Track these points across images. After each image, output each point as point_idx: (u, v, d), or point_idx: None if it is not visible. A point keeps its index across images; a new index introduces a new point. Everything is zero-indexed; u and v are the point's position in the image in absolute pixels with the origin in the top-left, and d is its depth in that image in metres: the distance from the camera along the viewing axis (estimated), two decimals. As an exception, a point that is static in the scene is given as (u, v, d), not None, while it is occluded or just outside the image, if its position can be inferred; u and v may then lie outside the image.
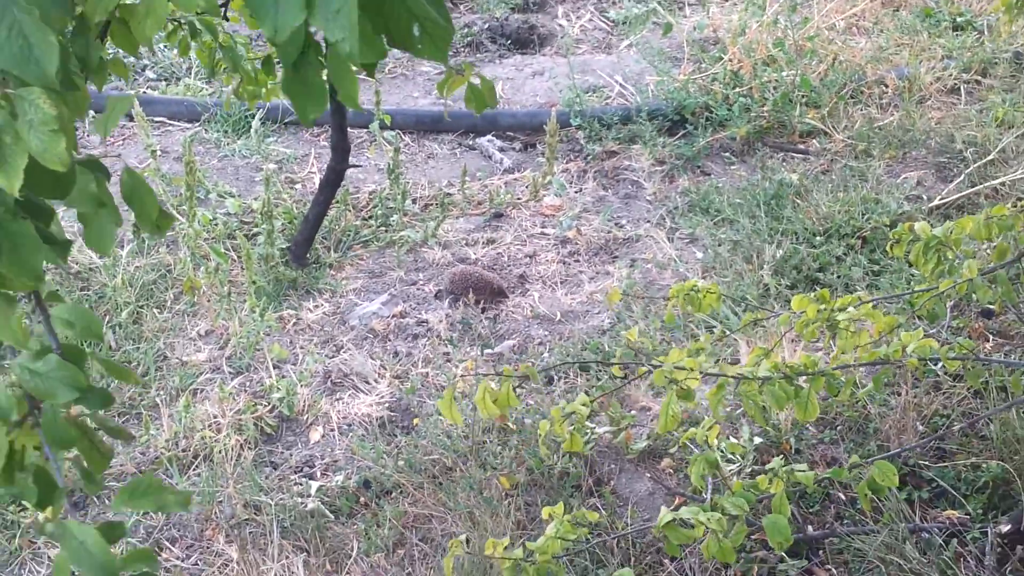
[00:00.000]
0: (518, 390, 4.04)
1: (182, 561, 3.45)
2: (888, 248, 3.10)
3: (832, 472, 2.76)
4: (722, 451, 3.57)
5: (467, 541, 3.31)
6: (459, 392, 4.03)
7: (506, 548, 2.56)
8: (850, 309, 2.70)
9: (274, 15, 1.31)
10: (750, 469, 3.52)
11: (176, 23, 3.45)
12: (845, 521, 3.37)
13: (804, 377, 2.58)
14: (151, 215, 1.64)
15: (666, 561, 3.26)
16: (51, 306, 1.67)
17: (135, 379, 1.85)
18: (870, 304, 2.79)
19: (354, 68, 1.50)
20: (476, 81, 2.30)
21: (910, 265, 4.42)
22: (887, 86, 6.25)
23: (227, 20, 3.40)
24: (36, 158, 1.34)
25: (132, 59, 6.93)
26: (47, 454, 1.60)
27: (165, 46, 7.20)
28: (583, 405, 2.62)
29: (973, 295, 2.82)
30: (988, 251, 4.15)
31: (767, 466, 2.64)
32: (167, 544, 3.52)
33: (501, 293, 4.75)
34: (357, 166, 5.30)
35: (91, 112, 5.06)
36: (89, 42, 1.74)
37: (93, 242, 1.62)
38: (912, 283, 4.31)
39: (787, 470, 2.55)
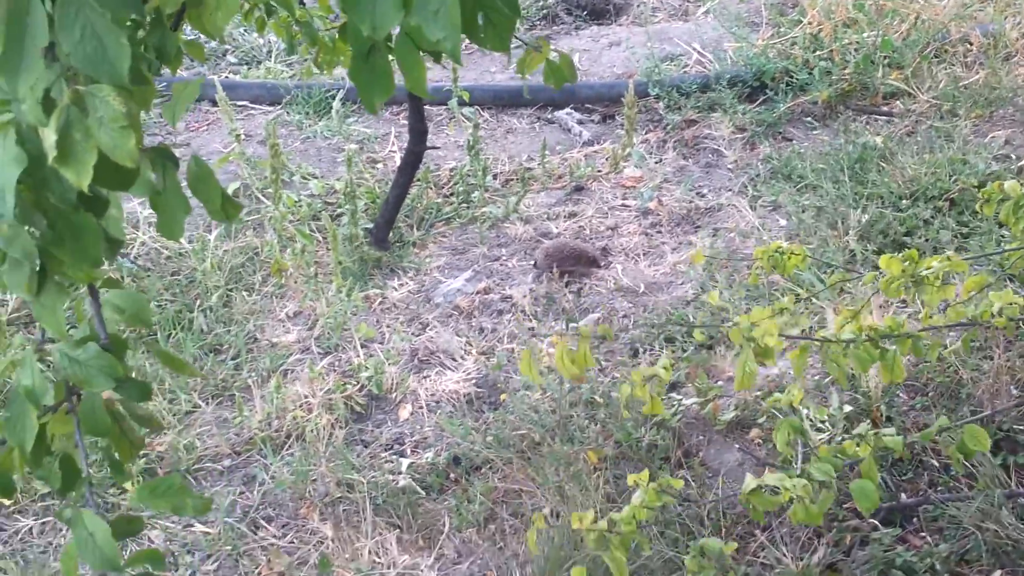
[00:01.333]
0: (604, 362, 4.06)
1: (278, 539, 3.52)
2: (978, 207, 3.04)
3: (921, 435, 2.73)
4: (811, 420, 3.54)
5: (556, 515, 3.33)
6: (545, 367, 4.05)
7: (593, 521, 2.57)
8: (935, 264, 2.65)
9: (372, 13, 1.32)
10: (840, 437, 3.49)
11: (252, 1, 3.48)
12: (939, 488, 3.33)
13: (889, 340, 2.55)
14: (216, 203, 1.66)
15: (757, 532, 3.25)
16: (105, 292, 1.71)
17: (190, 370, 1.88)
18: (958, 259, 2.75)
19: (423, 54, 1.52)
20: (554, 57, 2.29)
21: (1000, 226, 4.34)
22: (971, 44, 6.12)
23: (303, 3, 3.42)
24: (106, 154, 1.37)
25: (214, 44, 7.02)
26: (77, 441, 1.64)
27: (245, 28, 7.27)
28: (664, 369, 2.61)
29: (1066, 254, 2.77)
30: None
31: (854, 431, 2.62)
32: (263, 523, 3.59)
33: (595, 262, 4.75)
34: (435, 148, 5.33)
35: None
36: (166, 32, 1.77)
37: (165, 229, 1.65)
38: (1003, 245, 4.23)
39: (874, 434, 2.53)
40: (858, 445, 2.52)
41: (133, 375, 1.68)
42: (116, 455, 1.76)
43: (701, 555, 2.52)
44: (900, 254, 2.78)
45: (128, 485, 3.49)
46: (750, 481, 2.45)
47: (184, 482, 1.71)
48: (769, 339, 2.48)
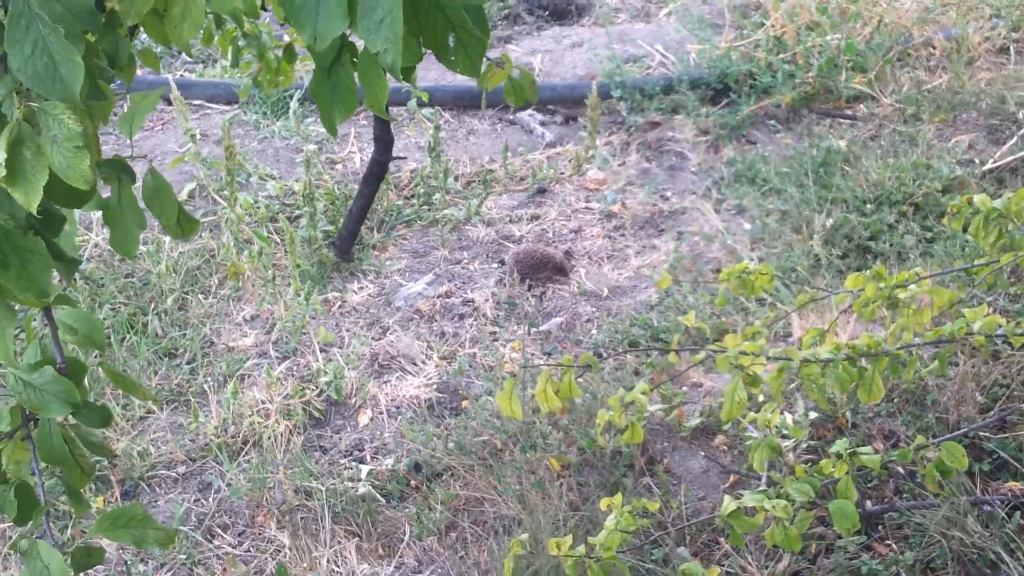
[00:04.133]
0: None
1: (234, 548, 3.44)
2: (944, 221, 3.01)
3: (899, 454, 2.69)
4: (777, 426, 3.50)
5: (518, 523, 3.28)
6: (507, 372, 3.99)
7: (569, 546, 2.51)
8: (911, 287, 2.61)
9: (314, 22, 1.27)
10: (806, 444, 3.46)
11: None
12: (905, 495, 3.30)
13: (866, 358, 2.51)
14: (172, 218, 1.60)
15: (721, 539, 3.21)
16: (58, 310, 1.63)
17: (143, 393, 1.81)
18: (929, 281, 2.71)
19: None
20: (516, 74, 2.25)
21: (965, 231, 4.33)
22: (935, 48, 6.12)
23: (266, 10, 3.35)
24: (59, 175, 1.29)
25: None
26: (34, 469, 1.56)
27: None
28: (642, 393, 2.55)
29: (1034, 264, 2.74)
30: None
31: (831, 448, 2.57)
32: (219, 531, 3.51)
33: (562, 270, 4.69)
34: (401, 158, 5.24)
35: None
36: (119, 39, 1.70)
37: (118, 245, 1.58)
38: (967, 249, 4.21)
39: (851, 452, 2.48)
40: (834, 465, 2.47)
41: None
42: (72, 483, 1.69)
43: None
44: (868, 272, 2.74)
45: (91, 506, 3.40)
46: (729, 503, 2.39)
47: (146, 512, 1.64)
48: (758, 367, 2.43)
